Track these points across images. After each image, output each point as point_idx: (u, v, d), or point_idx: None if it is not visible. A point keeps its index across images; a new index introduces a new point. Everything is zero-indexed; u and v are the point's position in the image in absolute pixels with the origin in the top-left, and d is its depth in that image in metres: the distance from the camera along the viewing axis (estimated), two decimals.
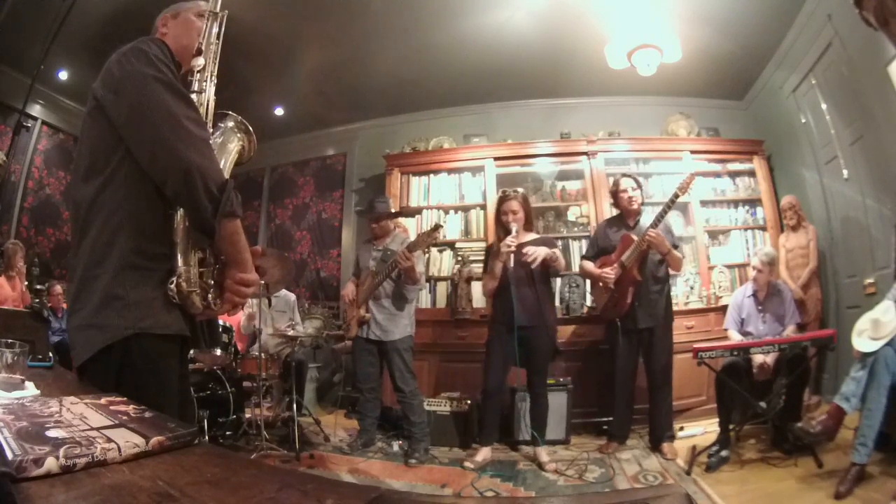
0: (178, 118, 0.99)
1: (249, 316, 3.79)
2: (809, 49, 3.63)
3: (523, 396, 3.25)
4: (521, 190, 3.20)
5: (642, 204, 3.21)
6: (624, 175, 3.28)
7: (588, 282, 4.14)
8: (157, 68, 1.02)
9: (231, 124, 1.24)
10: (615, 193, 3.26)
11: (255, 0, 3.76)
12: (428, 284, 4.45)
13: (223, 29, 1.22)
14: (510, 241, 2.90)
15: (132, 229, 1.02)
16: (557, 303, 4.17)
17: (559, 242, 3.96)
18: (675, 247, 3.10)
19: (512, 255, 2.90)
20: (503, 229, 3.06)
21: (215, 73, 1.18)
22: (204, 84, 1.15)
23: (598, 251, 3.28)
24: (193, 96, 1.10)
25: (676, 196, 2.97)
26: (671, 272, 3.24)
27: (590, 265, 3.28)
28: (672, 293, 4.03)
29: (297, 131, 5.84)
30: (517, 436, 3.34)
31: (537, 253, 2.89)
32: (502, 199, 3.13)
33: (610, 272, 3.12)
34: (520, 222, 3.02)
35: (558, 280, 4.30)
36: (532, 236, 3.11)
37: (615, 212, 3.46)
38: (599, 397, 3.61)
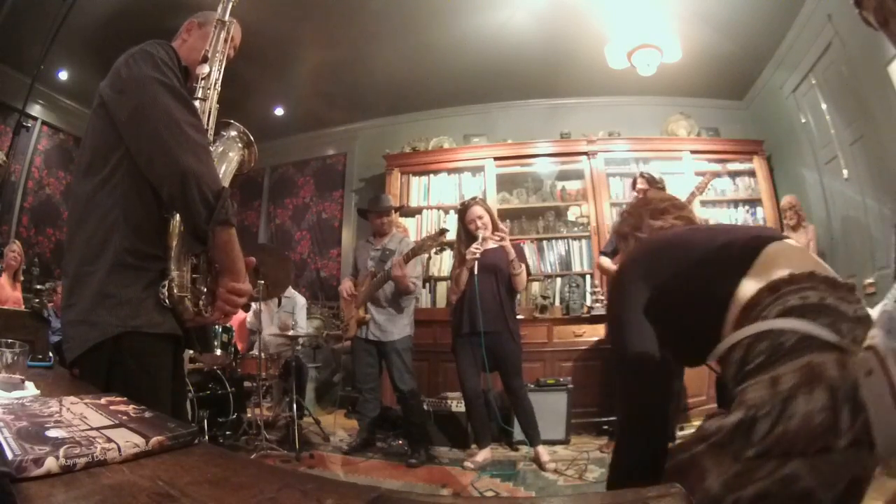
0: (178, 122, 0.99)
1: (255, 313, 3.75)
2: (809, 49, 3.63)
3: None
4: (479, 196, 3.15)
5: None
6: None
7: (587, 280, 4.14)
8: (161, 72, 1.02)
9: (233, 134, 1.24)
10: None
11: (254, 0, 3.76)
12: (428, 285, 4.45)
13: (231, 37, 1.22)
14: (475, 248, 2.87)
15: (127, 228, 1.03)
16: (557, 303, 4.17)
17: (525, 247, 3.78)
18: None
19: (476, 263, 2.87)
20: (468, 238, 3.00)
21: (220, 82, 1.18)
22: (208, 92, 1.15)
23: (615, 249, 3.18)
24: (197, 103, 1.10)
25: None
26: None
27: (607, 261, 3.21)
28: None
29: (297, 131, 5.84)
30: (516, 435, 3.34)
31: (506, 241, 2.93)
32: (466, 207, 3.06)
33: None
34: (486, 228, 2.97)
35: (558, 280, 4.30)
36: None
37: (616, 212, 3.45)
38: (599, 397, 3.60)
